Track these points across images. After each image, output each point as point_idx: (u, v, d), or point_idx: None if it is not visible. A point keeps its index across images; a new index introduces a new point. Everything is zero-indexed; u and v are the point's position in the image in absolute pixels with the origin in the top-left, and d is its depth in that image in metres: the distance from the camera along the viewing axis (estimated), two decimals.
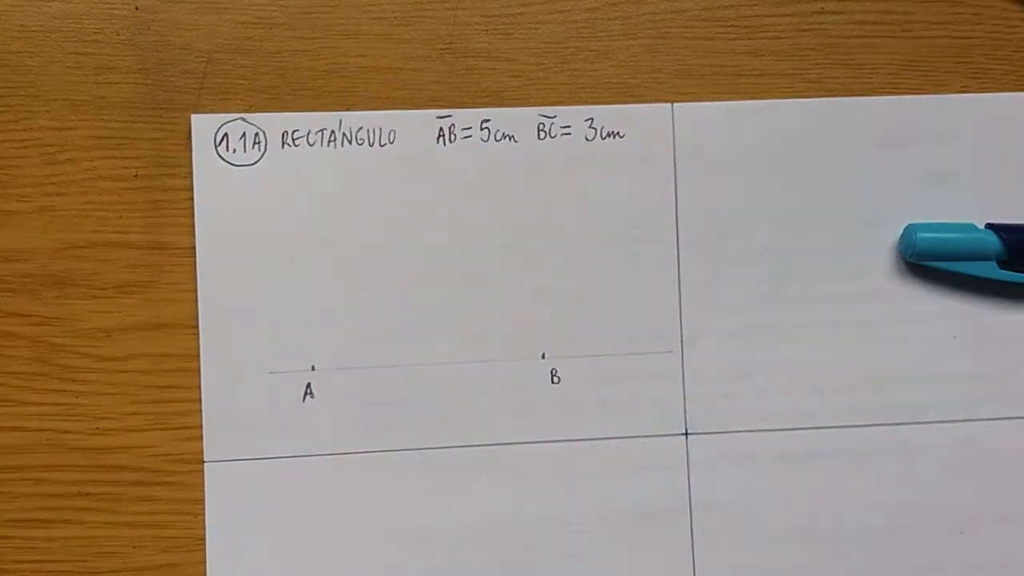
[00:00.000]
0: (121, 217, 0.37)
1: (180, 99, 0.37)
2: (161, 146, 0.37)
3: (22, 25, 0.37)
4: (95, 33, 0.37)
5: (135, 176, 0.37)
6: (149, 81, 0.37)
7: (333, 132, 0.37)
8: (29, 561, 0.36)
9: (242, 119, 0.37)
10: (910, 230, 0.38)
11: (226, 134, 0.37)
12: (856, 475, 0.38)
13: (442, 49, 0.38)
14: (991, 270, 0.38)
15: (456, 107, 0.38)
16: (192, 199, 0.37)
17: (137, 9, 0.37)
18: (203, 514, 0.36)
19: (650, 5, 0.39)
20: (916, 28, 0.40)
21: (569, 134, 0.38)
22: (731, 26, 0.39)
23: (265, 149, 0.37)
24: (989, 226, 0.39)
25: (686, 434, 0.38)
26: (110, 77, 0.37)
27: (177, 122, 0.37)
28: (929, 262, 0.38)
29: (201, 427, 0.36)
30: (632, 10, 0.39)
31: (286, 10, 0.38)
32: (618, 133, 0.39)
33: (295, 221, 0.37)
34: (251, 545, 0.37)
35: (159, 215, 0.37)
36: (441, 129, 0.38)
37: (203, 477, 0.36)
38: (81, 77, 0.37)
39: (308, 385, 0.37)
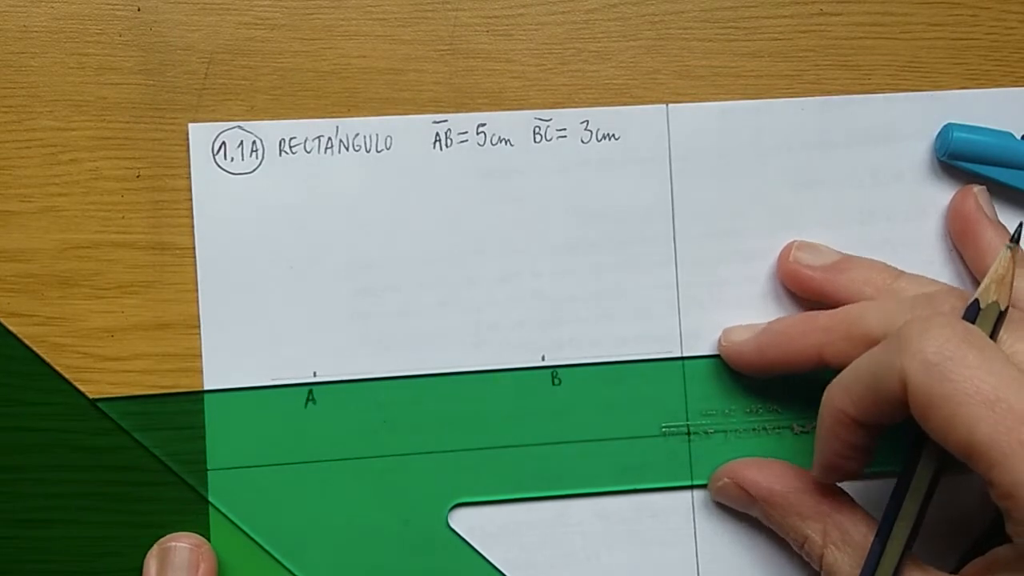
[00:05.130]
0: (123, 217, 0.37)
1: (182, 100, 0.37)
2: (163, 147, 0.37)
3: (24, 26, 0.37)
4: (97, 34, 0.37)
5: (137, 176, 0.37)
6: (151, 82, 0.37)
7: (330, 139, 0.38)
8: (31, 560, 0.36)
9: (239, 127, 0.37)
10: (947, 129, 0.39)
11: (223, 143, 0.37)
12: None
13: (443, 50, 0.38)
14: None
15: (457, 108, 0.38)
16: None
17: (139, 10, 0.37)
18: (206, 514, 0.36)
19: (649, 6, 0.39)
20: (915, 30, 0.40)
21: (565, 137, 0.39)
22: (730, 27, 0.40)
23: (263, 157, 0.37)
24: None
25: (688, 434, 0.38)
26: (112, 78, 0.37)
27: (179, 123, 0.37)
28: (962, 163, 0.39)
29: (203, 427, 0.36)
30: (632, 11, 0.39)
31: (288, 11, 0.38)
32: (613, 135, 0.39)
33: (294, 228, 0.37)
34: (255, 552, 0.36)
35: (161, 215, 0.37)
36: (437, 134, 0.38)
37: (206, 483, 0.36)
38: (83, 78, 0.37)
39: (310, 391, 0.37)
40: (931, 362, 0.30)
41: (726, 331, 0.38)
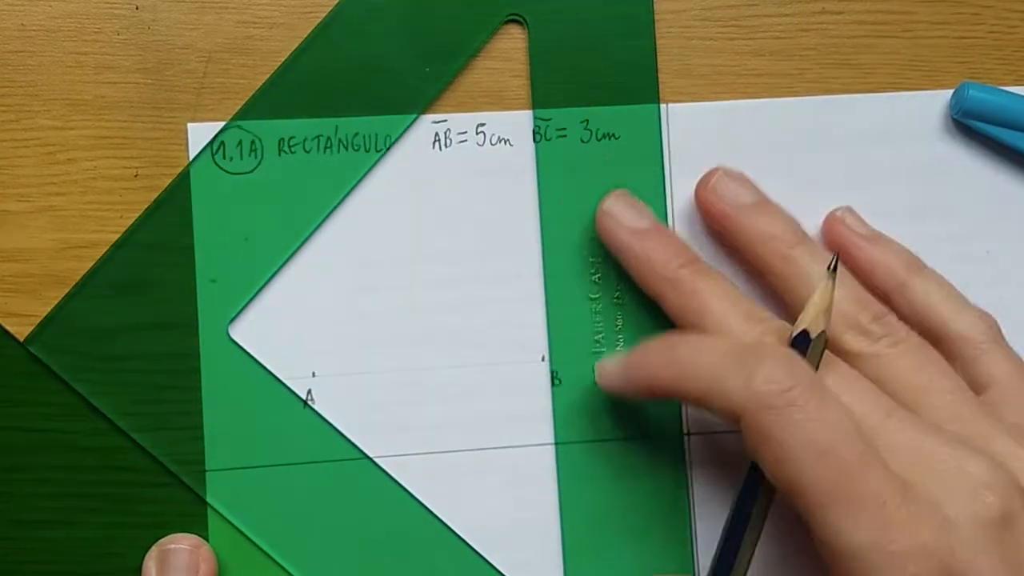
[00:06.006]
0: (122, 217, 0.37)
1: (180, 99, 0.37)
2: (161, 146, 0.37)
3: (22, 25, 0.37)
4: (95, 33, 0.37)
5: (135, 176, 0.37)
6: (149, 81, 0.37)
7: (329, 139, 0.37)
8: (30, 562, 0.36)
9: (238, 127, 0.37)
10: (963, 87, 0.39)
11: (223, 142, 0.37)
12: None
13: None
14: None
15: (456, 107, 0.38)
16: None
17: (137, 9, 0.37)
18: (204, 515, 0.36)
19: None
20: (917, 28, 0.40)
21: (564, 136, 0.38)
22: (731, 26, 0.39)
23: (262, 156, 0.37)
24: None
25: (687, 434, 0.38)
26: (110, 77, 0.37)
27: (177, 122, 0.37)
28: (976, 122, 0.39)
29: (201, 427, 0.36)
30: None
31: (287, 10, 0.37)
32: (613, 135, 0.39)
33: (293, 228, 0.37)
34: (254, 553, 0.36)
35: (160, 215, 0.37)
36: (436, 134, 0.38)
37: (205, 483, 0.36)
38: (81, 77, 0.37)
39: (309, 391, 0.37)
40: (771, 404, 0.30)
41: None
